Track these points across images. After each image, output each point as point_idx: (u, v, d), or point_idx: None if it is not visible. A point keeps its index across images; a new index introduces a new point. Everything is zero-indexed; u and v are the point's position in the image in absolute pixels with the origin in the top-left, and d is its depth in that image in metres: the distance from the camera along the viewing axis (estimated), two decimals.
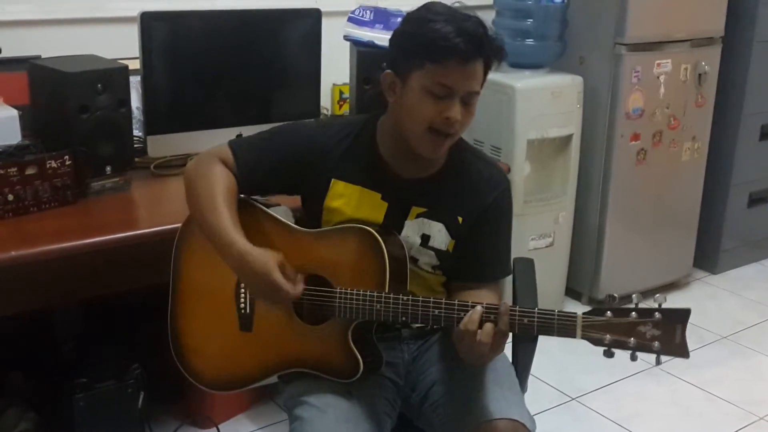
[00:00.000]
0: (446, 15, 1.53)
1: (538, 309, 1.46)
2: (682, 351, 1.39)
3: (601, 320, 1.42)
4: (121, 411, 2.23)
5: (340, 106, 3.08)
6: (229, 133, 2.05)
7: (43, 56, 2.31)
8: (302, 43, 2.57)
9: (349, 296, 1.56)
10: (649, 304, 1.41)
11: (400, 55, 1.58)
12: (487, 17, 3.15)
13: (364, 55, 2.57)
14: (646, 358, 1.43)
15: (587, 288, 3.49)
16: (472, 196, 1.68)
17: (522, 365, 1.77)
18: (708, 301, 3.63)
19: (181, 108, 2.40)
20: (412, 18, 1.58)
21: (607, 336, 1.41)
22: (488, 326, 1.45)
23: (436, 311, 1.51)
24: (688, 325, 1.39)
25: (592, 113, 3.27)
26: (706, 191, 3.69)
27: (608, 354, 1.43)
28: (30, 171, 1.98)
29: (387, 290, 1.55)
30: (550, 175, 3.29)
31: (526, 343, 1.76)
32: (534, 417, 1.61)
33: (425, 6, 1.58)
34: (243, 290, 1.66)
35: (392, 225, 1.66)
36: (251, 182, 1.68)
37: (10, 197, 1.94)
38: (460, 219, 1.68)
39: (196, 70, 2.39)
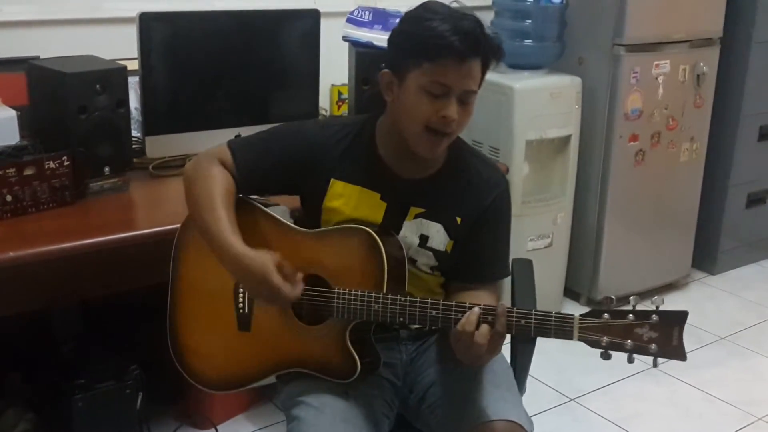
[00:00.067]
0: (443, 14, 1.53)
1: (536, 311, 1.46)
2: (679, 353, 1.39)
3: (598, 322, 1.42)
4: (120, 411, 2.23)
5: (339, 107, 3.08)
6: (228, 134, 2.05)
7: (41, 57, 2.31)
8: (301, 44, 2.57)
9: (347, 296, 1.56)
10: (646, 306, 1.41)
11: (397, 54, 1.58)
12: (486, 18, 3.17)
13: (362, 55, 2.57)
14: (643, 359, 1.43)
15: (586, 289, 3.49)
16: (471, 196, 1.69)
17: (521, 366, 1.77)
18: (707, 302, 3.63)
19: (180, 108, 2.40)
20: (410, 17, 1.59)
21: (604, 338, 1.41)
22: (485, 327, 1.45)
23: (434, 312, 1.51)
24: (687, 326, 1.39)
25: (590, 114, 3.27)
26: (704, 192, 3.69)
27: (605, 356, 1.42)
28: (28, 171, 1.98)
29: (385, 291, 1.55)
30: (548, 175, 3.29)
31: (524, 344, 1.76)
32: (533, 418, 1.61)
33: (423, 5, 1.59)
34: (241, 290, 1.66)
35: (391, 225, 1.66)
36: (250, 183, 1.68)
37: (9, 198, 1.94)
38: (458, 220, 1.68)
39: (194, 70, 2.39)
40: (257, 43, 2.48)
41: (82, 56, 2.27)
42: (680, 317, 1.39)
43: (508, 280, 1.83)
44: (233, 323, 1.67)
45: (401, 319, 1.54)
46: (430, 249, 1.68)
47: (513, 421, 1.54)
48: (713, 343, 3.26)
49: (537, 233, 3.25)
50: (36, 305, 2.03)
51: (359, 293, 1.55)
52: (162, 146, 2.37)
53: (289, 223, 1.68)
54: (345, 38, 2.65)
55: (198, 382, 1.73)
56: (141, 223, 2.14)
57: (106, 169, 2.15)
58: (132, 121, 2.27)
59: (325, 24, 2.57)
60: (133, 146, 2.30)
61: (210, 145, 1.73)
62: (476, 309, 1.47)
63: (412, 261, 1.68)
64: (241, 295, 1.67)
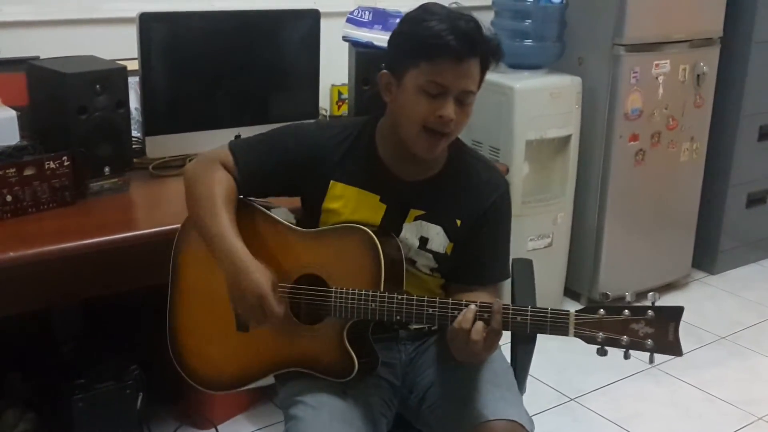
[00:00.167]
0: (441, 14, 1.53)
1: (531, 307, 1.46)
2: (675, 349, 1.39)
3: (594, 318, 1.42)
4: (120, 412, 2.23)
5: (339, 107, 3.08)
6: (228, 134, 2.06)
7: (41, 57, 2.31)
8: (301, 44, 2.57)
9: (344, 295, 1.56)
10: (642, 302, 1.41)
11: (395, 55, 1.59)
12: (486, 18, 3.17)
13: (362, 55, 2.58)
14: (642, 358, 1.43)
15: (586, 288, 3.49)
16: (471, 198, 1.69)
17: (521, 366, 1.77)
18: (707, 302, 3.63)
19: (180, 109, 2.40)
20: (408, 18, 1.59)
21: (600, 334, 1.42)
22: (480, 324, 1.45)
23: (430, 310, 1.52)
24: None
25: (590, 114, 3.27)
26: (704, 192, 3.69)
27: (601, 352, 1.43)
28: (28, 172, 1.98)
29: (382, 290, 1.55)
30: (548, 175, 3.29)
31: (524, 344, 1.76)
32: (533, 417, 1.61)
33: (422, 6, 1.59)
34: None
35: (390, 227, 1.66)
36: (251, 184, 1.68)
37: (9, 198, 1.95)
38: (458, 222, 1.68)
39: (194, 70, 2.39)
40: (257, 43, 2.48)
41: (82, 56, 2.27)
42: (676, 312, 1.40)
43: (508, 281, 1.83)
44: (232, 323, 1.67)
45: (398, 318, 1.54)
46: (430, 251, 1.68)
47: (513, 420, 1.54)
48: (713, 342, 3.26)
49: (537, 233, 3.25)
50: (36, 305, 2.03)
51: (356, 292, 1.55)
52: (162, 146, 2.37)
53: (289, 223, 1.68)
54: (345, 38, 2.65)
55: (197, 383, 1.73)
56: (141, 223, 2.15)
57: (106, 169, 2.15)
58: (132, 121, 2.27)
59: (325, 24, 2.57)
60: (133, 146, 2.31)
61: (210, 145, 1.73)
62: (472, 306, 1.47)
63: (412, 262, 1.68)
64: None
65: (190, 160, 1.83)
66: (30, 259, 1.78)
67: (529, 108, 3.09)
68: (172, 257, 1.73)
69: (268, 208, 1.71)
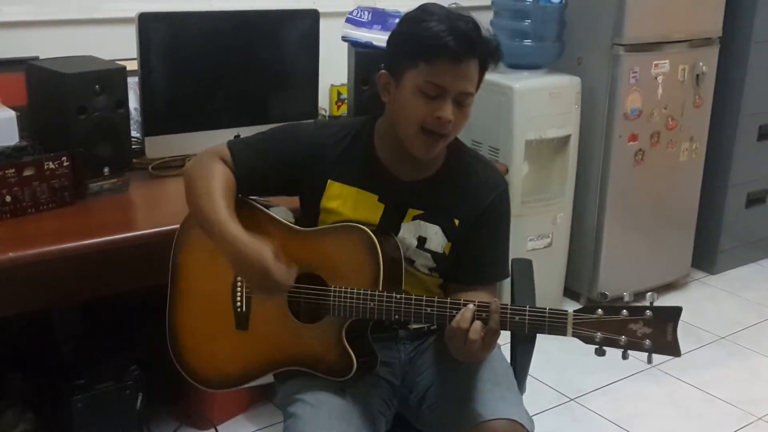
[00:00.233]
0: (440, 15, 1.53)
1: (529, 307, 1.46)
2: (673, 349, 1.40)
3: (592, 318, 1.42)
4: (119, 412, 2.23)
5: (338, 107, 3.08)
6: (227, 134, 2.05)
7: (40, 57, 2.31)
8: (300, 44, 2.57)
9: (343, 294, 1.56)
10: (641, 303, 1.41)
11: (394, 55, 1.59)
12: (485, 18, 3.17)
13: (362, 55, 2.58)
14: (641, 357, 1.43)
15: (586, 289, 3.49)
16: (470, 198, 1.69)
17: (520, 366, 1.77)
18: (706, 302, 3.63)
19: (179, 109, 2.40)
20: (407, 18, 1.59)
21: (598, 334, 1.42)
22: (478, 324, 1.46)
23: (429, 309, 1.52)
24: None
25: (590, 114, 3.27)
26: (704, 192, 3.69)
27: (599, 352, 1.43)
28: (28, 172, 1.98)
29: (381, 289, 1.55)
30: (548, 175, 3.29)
31: (524, 344, 1.76)
32: (533, 417, 1.61)
33: (421, 7, 1.59)
34: (239, 289, 1.67)
35: (389, 227, 1.66)
36: (250, 182, 1.68)
37: (8, 198, 1.95)
38: (456, 221, 1.68)
39: (194, 71, 2.39)
40: (257, 43, 2.48)
41: (82, 57, 2.27)
42: (674, 312, 1.40)
43: (507, 281, 1.83)
44: (231, 322, 1.67)
45: (396, 317, 1.54)
46: (428, 250, 1.68)
47: (514, 420, 1.54)
48: (713, 342, 3.26)
49: (537, 233, 3.25)
50: (36, 305, 2.03)
51: (355, 291, 1.56)
52: (161, 146, 2.37)
53: (288, 222, 1.68)
54: (344, 38, 2.65)
55: (196, 381, 1.73)
56: (140, 223, 2.15)
57: (106, 169, 2.15)
58: (131, 122, 2.27)
59: (324, 24, 2.57)
60: (133, 146, 2.30)
61: (209, 145, 1.73)
62: (471, 306, 1.48)
63: (411, 262, 1.68)
64: (239, 294, 1.67)
65: (189, 160, 1.83)
66: (30, 260, 1.78)
67: (529, 108, 3.09)
68: (172, 257, 1.73)
69: (268, 207, 1.72)
